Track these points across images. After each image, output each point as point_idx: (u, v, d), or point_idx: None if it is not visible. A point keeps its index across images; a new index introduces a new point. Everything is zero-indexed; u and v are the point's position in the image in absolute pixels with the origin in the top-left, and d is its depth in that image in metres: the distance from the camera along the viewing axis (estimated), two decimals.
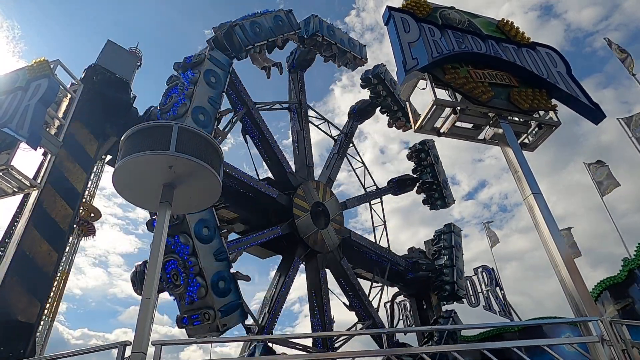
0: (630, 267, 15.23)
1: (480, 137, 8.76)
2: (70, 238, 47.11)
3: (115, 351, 4.40)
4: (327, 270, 15.17)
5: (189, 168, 4.81)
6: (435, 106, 8.04)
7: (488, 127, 8.49)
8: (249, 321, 11.62)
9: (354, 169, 19.13)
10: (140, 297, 4.38)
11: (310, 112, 18.47)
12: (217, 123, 11.83)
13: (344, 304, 15.52)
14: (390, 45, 8.72)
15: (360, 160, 19.39)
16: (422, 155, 19.93)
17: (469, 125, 8.62)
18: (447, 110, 8.26)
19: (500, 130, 8.08)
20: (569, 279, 6.20)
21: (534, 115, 8.55)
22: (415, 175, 19.78)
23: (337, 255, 15.16)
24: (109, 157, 12.27)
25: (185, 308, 9.45)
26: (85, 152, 9.94)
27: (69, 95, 11.87)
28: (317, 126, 18.78)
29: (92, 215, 47.77)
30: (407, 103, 9.13)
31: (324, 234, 14.68)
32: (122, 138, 4.96)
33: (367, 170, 19.33)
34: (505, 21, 10.10)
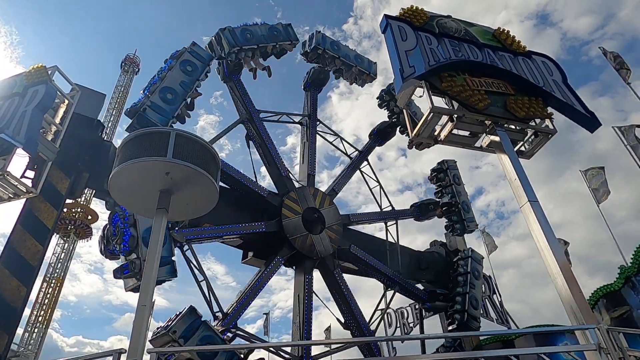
0: (627, 274, 15.24)
1: (477, 144, 8.80)
2: (66, 244, 47.02)
3: (110, 359, 4.37)
4: (321, 280, 14.96)
5: (186, 174, 4.80)
6: (432, 114, 8.08)
7: (485, 134, 8.53)
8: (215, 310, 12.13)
9: (370, 189, 18.18)
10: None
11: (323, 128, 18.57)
12: (188, 106, 12.71)
13: (338, 320, 14.78)
14: (388, 53, 8.80)
15: (376, 179, 18.31)
16: (441, 175, 18.43)
17: (466, 133, 8.66)
18: (444, 118, 8.30)
19: (497, 138, 8.12)
20: (566, 286, 6.21)
21: (530, 123, 8.60)
22: (437, 199, 18.40)
23: (331, 265, 14.63)
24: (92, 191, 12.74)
25: (124, 259, 10.01)
26: (56, 191, 10.62)
27: (67, 102, 11.88)
28: (331, 142, 18.36)
29: (90, 217, 47.78)
30: (404, 110, 9.18)
31: (315, 239, 14.31)
32: (120, 144, 4.96)
33: (383, 190, 18.14)
34: (501, 30, 10.19)
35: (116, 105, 55.81)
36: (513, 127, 8.56)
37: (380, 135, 19.12)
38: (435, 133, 8.50)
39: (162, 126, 11.17)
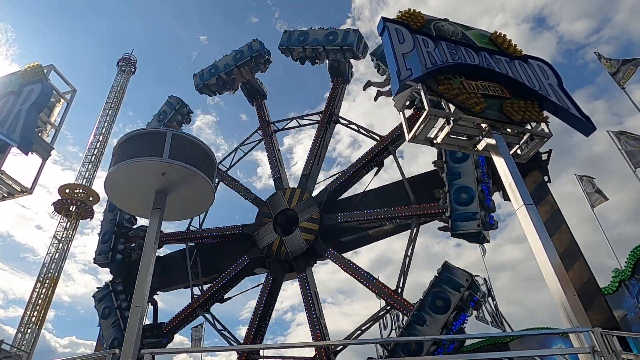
0: (621, 278, 15.33)
1: (473, 147, 8.82)
2: (68, 223, 46.90)
3: None
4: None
5: (182, 175, 4.79)
6: (429, 116, 8.10)
7: (481, 137, 8.55)
8: None
9: (358, 129, 16.54)
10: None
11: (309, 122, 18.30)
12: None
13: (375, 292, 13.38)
14: (385, 55, 8.81)
15: (348, 122, 16.95)
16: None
17: (462, 136, 8.68)
18: (441, 121, 8.31)
19: (493, 141, 8.13)
20: (561, 289, 6.22)
21: (526, 127, 8.63)
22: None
23: (302, 266, 14.50)
24: None
25: None
26: None
27: (62, 101, 11.85)
28: (303, 121, 18.32)
29: (91, 198, 47.96)
30: (401, 113, 9.19)
31: (286, 241, 14.63)
32: (115, 145, 4.94)
33: (361, 127, 16.46)
34: (498, 34, 10.23)
35: (112, 105, 55.58)
36: (509, 130, 8.58)
37: (333, 72, 17.92)
38: (432, 136, 8.52)
39: None
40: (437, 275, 11.03)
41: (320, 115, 17.29)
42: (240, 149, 18.59)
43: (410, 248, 12.82)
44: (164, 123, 18.32)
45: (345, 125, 17.08)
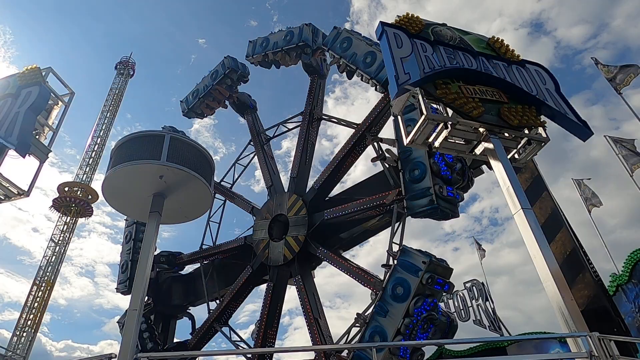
0: (618, 282, 15.34)
1: (471, 151, 8.84)
2: (65, 226, 46.71)
3: None
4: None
5: (180, 178, 4.78)
6: (426, 121, 8.12)
7: (479, 142, 8.57)
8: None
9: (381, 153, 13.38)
10: None
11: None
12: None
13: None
14: (383, 59, 8.84)
15: (382, 148, 13.40)
16: None
17: (460, 140, 8.70)
18: (439, 125, 8.33)
19: (491, 146, 8.16)
20: (558, 294, 6.22)
21: (524, 131, 8.66)
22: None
23: (293, 272, 14.09)
24: None
25: None
26: None
27: (60, 103, 11.83)
28: (338, 121, 16.77)
29: (90, 197, 47.92)
30: (398, 117, 9.21)
31: (271, 245, 14.72)
32: (113, 147, 4.94)
33: (383, 164, 13.26)
34: (495, 39, 10.28)
35: (110, 108, 55.56)
36: (507, 134, 8.61)
37: (309, 69, 18.40)
38: (430, 140, 8.53)
39: None
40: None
41: (356, 126, 14.84)
42: (238, 163, 18.92)
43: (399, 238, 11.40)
44: (213, 84, 18.57)
45: (377, 143, 13.61)
